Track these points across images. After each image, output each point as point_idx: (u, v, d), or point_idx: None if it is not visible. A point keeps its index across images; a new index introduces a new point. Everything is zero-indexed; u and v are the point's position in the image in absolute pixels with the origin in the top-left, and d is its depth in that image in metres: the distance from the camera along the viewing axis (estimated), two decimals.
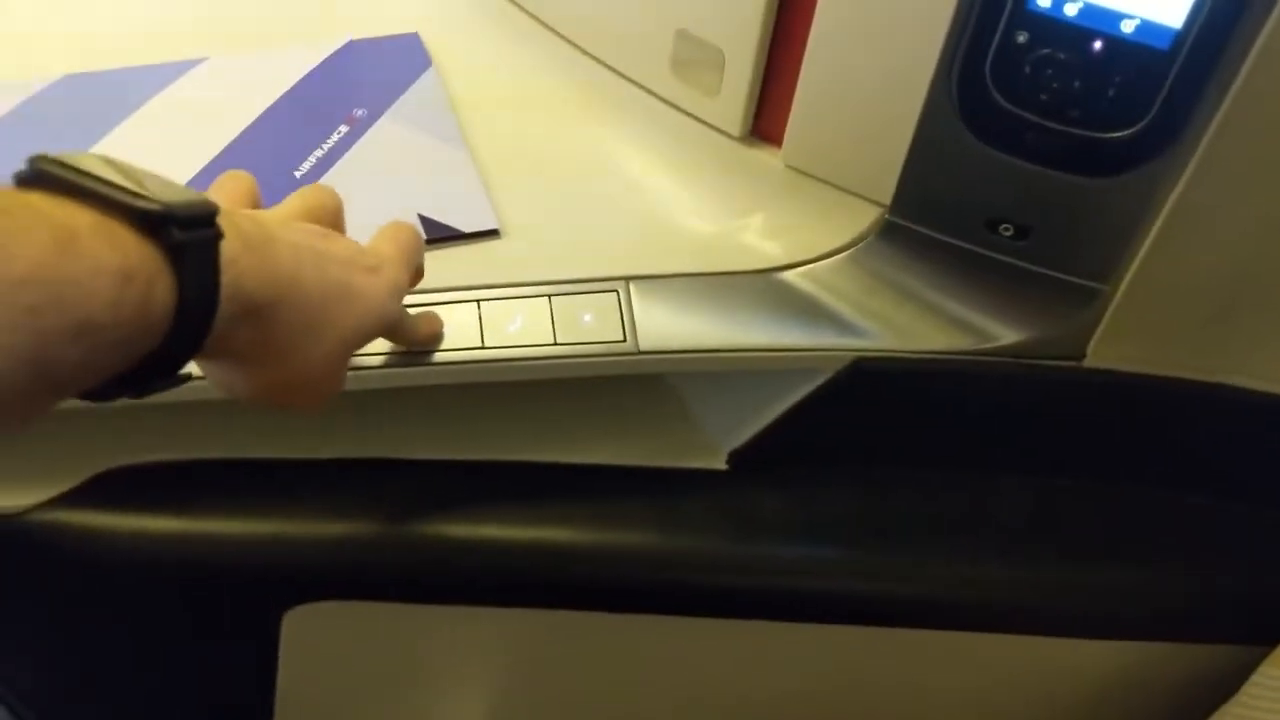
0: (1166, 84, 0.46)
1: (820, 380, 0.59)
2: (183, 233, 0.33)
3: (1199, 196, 0.50)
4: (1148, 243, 0.52)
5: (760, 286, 0.58)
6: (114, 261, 0.31)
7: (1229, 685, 0.59)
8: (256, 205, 0.46)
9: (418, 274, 0.51)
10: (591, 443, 0.62)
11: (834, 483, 0.62)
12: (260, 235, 0.38)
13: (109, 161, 0.34)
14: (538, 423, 0.63)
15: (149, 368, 0.34)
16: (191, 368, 0.38)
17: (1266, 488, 0.60)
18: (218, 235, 0.35)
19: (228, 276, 0.35)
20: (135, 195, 0.33)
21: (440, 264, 0.54)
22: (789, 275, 0.58)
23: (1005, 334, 0.57)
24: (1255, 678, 0.53)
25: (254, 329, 0.38)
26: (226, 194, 0.44)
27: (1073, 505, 0.61)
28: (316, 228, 0.44)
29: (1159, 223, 0.51)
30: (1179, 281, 0.54)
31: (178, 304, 0.33)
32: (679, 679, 0.64)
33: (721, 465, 0.62)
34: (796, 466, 0.62)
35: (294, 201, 0.46)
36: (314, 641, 0.60)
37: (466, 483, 0.61)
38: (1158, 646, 0.59)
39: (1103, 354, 0.57)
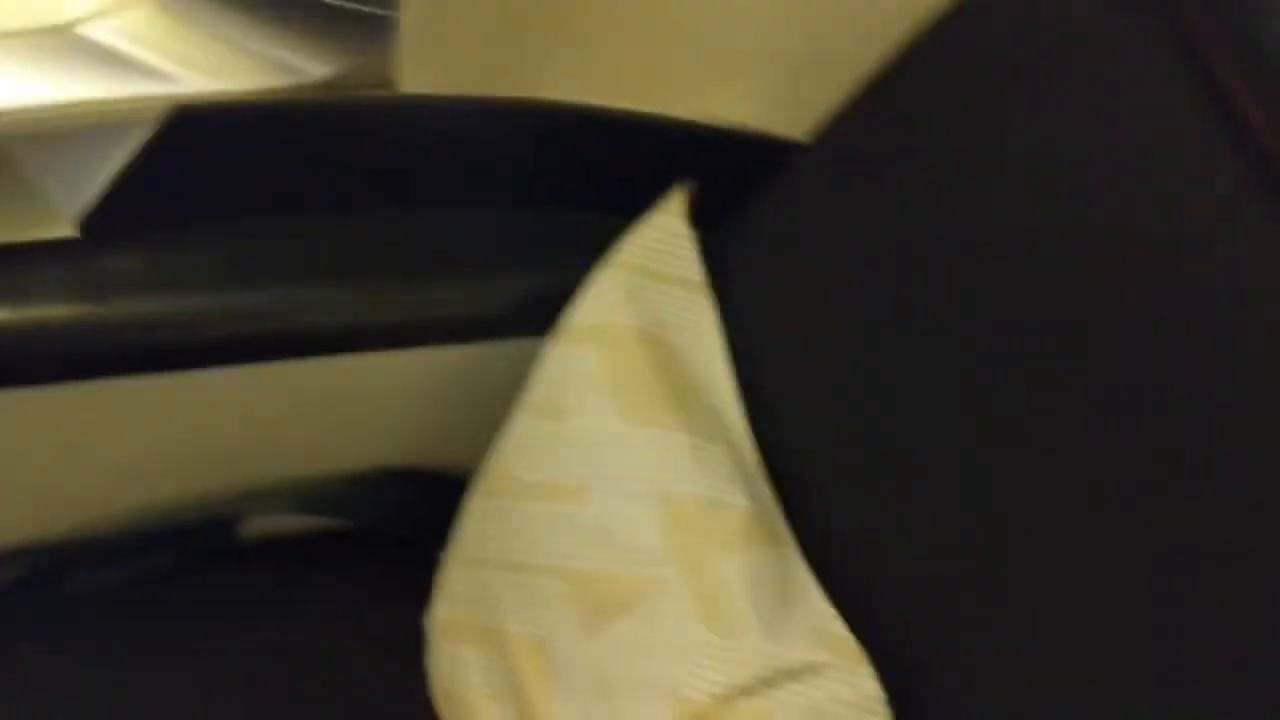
0: None
1: (147, 132, 0.59)
2: None
3: None
4: None
5: (61, 42, 0.57)
6: None
7: None
8: None
9: None
10: None
11: (195, 234, 0.64)
12: None
13: None
14: None
15: None
16: None
17: (569, 191, 0.68)
18: None
19: None
20: None
21: None
22: (90, 28, 0.57)
23: (314, 68, 0.60)
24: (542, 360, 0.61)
25: None
26: None
27: (410, 230, 0.66)
28: None
29: None
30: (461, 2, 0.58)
31: None
32: (64, 451, 0.65)
33: (73, 232, 0.62)
34: (153, 223, 0.63)
35: None
36: None
37: None
38: (487, 345, 0.67)
39: (413, 79, 0.61)
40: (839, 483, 0.55)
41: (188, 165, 0.61)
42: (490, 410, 0.66)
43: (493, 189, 0.65)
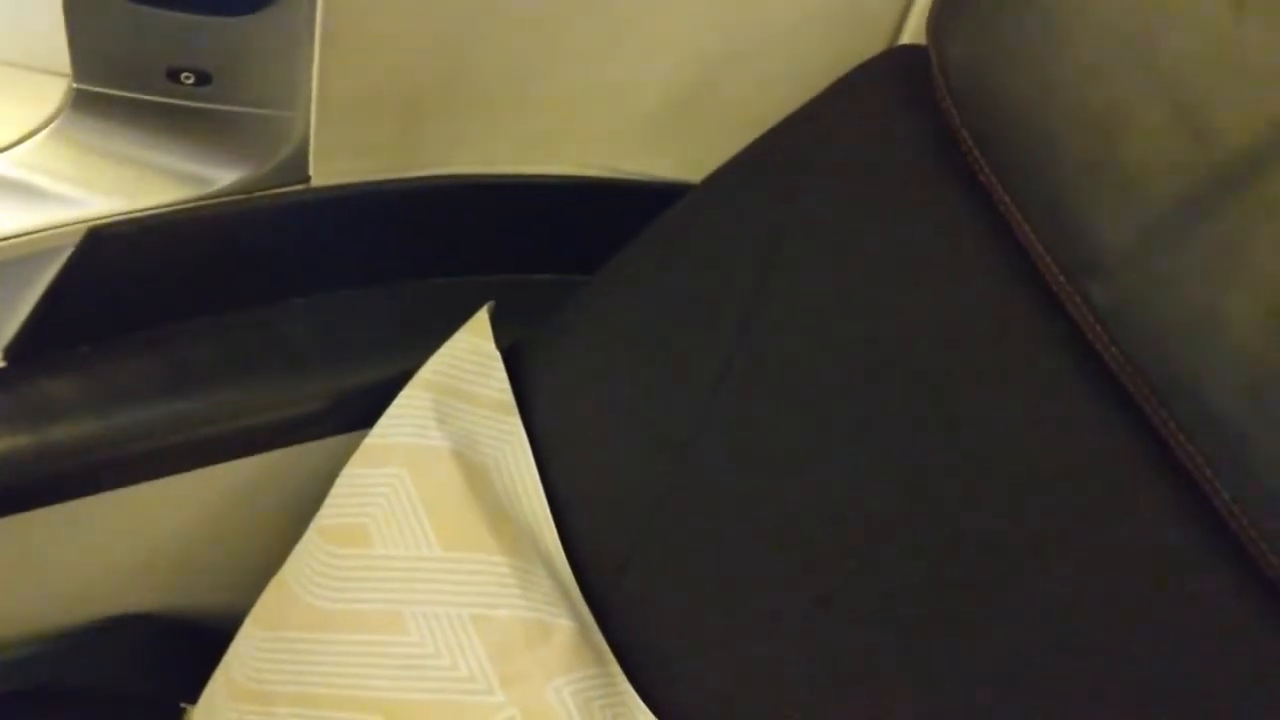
0: None
1: (63, 258, 0.59)
2: None
3: (337, 18, 0.55)
4: (314, 66, 0.57)
5: None
6: None
7: None
8: None
9: None
10: None
11: (124, 351, 0.64)
12: None
13: None
14: None
15: None
16: None
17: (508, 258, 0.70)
18: None
19: None
20: None
21: None
22: None
23: (224, 175, 0.60)
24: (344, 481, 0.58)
25: None
26: None
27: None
28: None
29: (315, 46, 0.56)
30: (359, 94, 0.59)
31: None
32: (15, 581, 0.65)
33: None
34: (79, 345, 0.63)
35: None
36: None
37: None
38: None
39: (325, 172, 0.62)
40: (647, 595, 0.52)
41: (104, 286, 0.61)
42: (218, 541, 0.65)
43: (396, 268, 0.66)
